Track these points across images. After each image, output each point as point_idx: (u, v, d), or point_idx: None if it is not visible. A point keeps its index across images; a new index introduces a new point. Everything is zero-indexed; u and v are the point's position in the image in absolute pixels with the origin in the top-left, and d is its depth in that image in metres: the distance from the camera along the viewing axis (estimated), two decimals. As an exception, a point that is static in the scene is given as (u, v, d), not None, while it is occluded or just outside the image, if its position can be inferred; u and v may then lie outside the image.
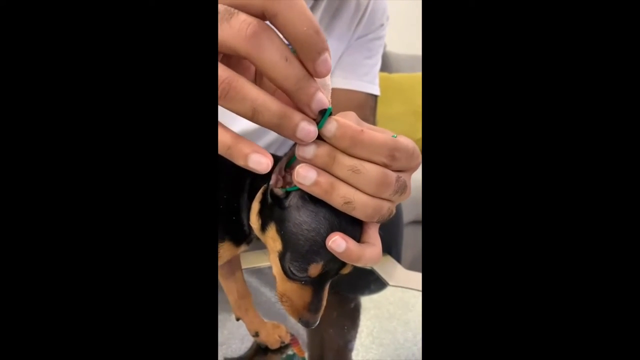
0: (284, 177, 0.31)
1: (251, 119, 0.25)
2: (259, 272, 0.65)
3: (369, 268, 0.69)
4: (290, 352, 0.48)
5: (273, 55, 0.24)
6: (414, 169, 0.32)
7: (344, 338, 0.53)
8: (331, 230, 0.30)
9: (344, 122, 0.28)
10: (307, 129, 0.26)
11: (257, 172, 0.26)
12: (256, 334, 0.48)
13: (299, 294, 0.32)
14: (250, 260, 0.65)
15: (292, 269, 0.31)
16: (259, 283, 0.62)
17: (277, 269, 0.33)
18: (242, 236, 0.38)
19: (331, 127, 0.27)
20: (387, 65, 2.17)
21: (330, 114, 0.27)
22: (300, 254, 0.30)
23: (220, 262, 0.39)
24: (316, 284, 0.32)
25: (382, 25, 0.81)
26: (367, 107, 0.80)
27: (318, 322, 0.33)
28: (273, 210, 0.31)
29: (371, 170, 0.28)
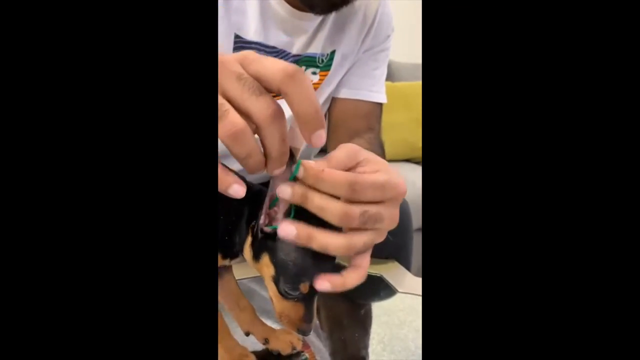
0: (268, 214, 0.36)
1: (241, 160, 0.31)
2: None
3: (378, 275, 0.68)
4: (303, 357, 0.48)
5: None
6: (393, 200, 0.36)
7: (356, 345, 0.53)
8: (314, 254, 0.35)
9: (308, 165, 0.33)
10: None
11: (232, 197, 0.32)
12: (265, 341, 0.48)
13: (294, 310, 0.38)
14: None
15: (286, 289, 0.37)
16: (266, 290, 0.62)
17: (273, 292, 0.38)
18: (230, 253, 0.41)
19: (300, 170, 0.33)
20: (390, 74, 2.17)
21: (299, 165, 0.34)
22: (291, 277, 0.36)
23: None
24: (307, 299, 0.38)
25: (388, 36, 0.84)
26: (373, 115, 0.83)
27: (312, 330, 0.39)
28: (266, 243, 0.37)
29: (333, 209, 0.33)
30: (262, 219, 0.36)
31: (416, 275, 0.70)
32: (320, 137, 0.31)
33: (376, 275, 0.69)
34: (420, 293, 0.63)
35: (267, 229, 0.36)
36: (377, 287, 0.66)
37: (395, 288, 0.65)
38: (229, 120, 0.29)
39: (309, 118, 0.30)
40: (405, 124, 1.91)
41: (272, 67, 0.29)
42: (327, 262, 0.37)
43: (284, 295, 0.37)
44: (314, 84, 0.78)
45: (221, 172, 0.32)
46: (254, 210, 0.39)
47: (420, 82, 2.03)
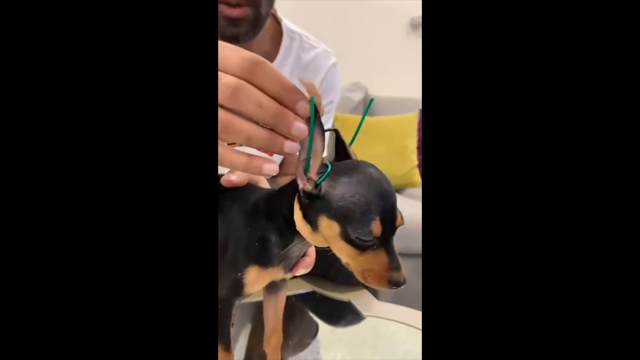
0: (308, 180, 0.36)
1: (248, 144, 0.33)
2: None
3: (347, 301, 0.75)
4: None
5: (249, 107, 0.31)
6: None
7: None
8: (370, 184, 0.34)
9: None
10: (291, 145, 0.34)
11: (268, 176, 0.34)
12: None
13: (375, 259, 0.35)
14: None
15: (359, 237, 0.34)
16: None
17: (346, 253, 0.36)
18: (268, 261, 0.42)
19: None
20: (369, 108, 2.27)
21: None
22: (357, 219, 0.34)
23: (254, 288, 0.42)
24: (384, 243, 0.35)
25: (331, 102, 0.87)
26: None
27: (405, 279, 0.36)
28: (315, 205, 0.36)
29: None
30: (300, 184, 0.36)
31: (382, 300, 0.77)
32: (303, 108, 0.32)
33: (345, 301, 0.76)
34: (383, 316, 0.71)
35: (308, 187, 0.36)
36: (345, 312, 0.74)
37: (361, 313, 0.72)
38: (219, 118, 0.31)
39: (284, 94, 0.32)
40: (385, 155, 2.01)
41: (231, 59, 0.31)
42: (389, 188, 0.35)
43: (359, 246, 0.35)
44: None
45: (251, 159, 0.33)
46: (274, 213, 0.41)
47: (396, 117, 2.14)
